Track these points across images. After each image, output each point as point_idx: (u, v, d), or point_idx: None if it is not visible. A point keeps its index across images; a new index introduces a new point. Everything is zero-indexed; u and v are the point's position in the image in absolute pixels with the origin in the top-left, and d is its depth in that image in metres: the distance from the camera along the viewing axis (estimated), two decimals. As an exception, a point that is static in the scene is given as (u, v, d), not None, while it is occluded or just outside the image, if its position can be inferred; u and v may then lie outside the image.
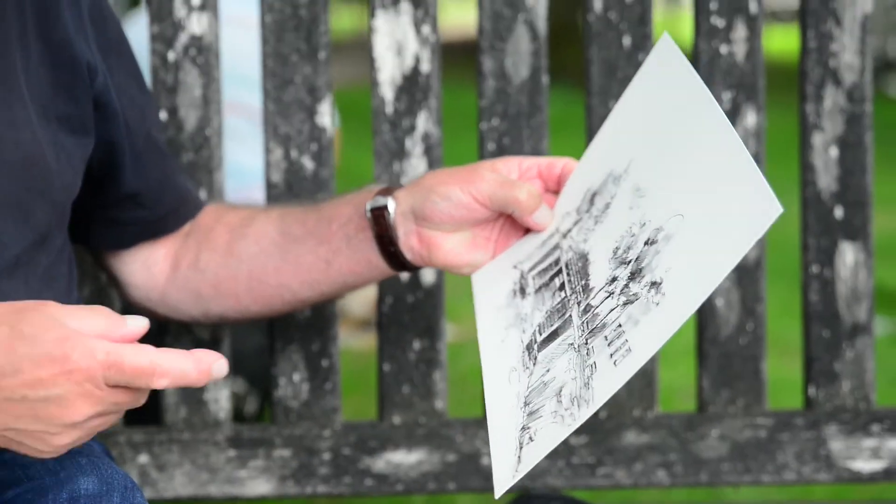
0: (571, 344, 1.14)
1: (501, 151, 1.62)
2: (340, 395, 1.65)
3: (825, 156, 1.64)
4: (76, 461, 1.17)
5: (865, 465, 1.64)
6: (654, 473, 1.64)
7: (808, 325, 1.65)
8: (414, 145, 1.63)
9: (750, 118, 1.63)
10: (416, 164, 1.63)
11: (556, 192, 1.34)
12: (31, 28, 1.27)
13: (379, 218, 1.34)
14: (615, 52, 1.62)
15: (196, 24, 1.60)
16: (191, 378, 1.08)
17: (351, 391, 1.85)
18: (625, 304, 1.12)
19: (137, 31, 2.72)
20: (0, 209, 1.22)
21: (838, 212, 1.64)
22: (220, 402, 1.63)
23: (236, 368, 1.67)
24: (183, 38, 1.60)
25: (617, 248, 1.18)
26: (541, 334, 1.19)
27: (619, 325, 1.10)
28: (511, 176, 1.33)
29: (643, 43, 1.62)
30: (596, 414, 1.64)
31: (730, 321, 1.65)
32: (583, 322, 1.15)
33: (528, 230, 1.33)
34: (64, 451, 1.09)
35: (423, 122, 1.62)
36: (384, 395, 1.64)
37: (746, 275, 1.64)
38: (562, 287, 1.22)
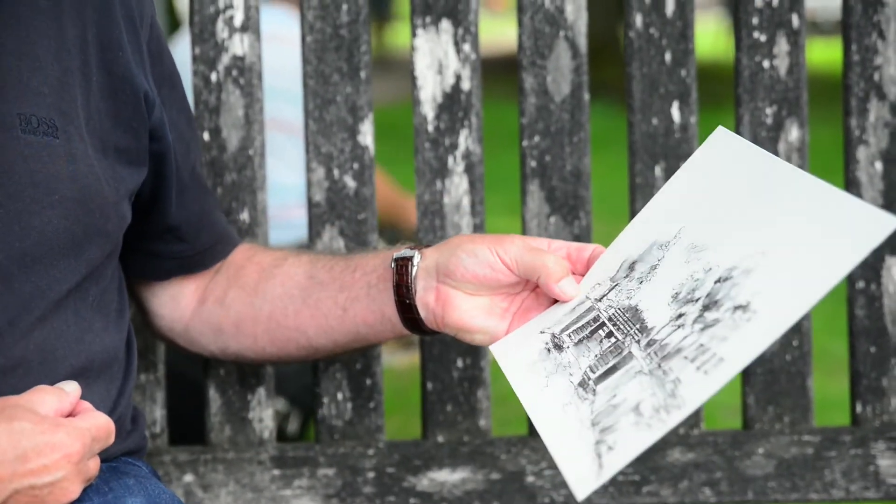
0: (639, 371, 1.17)
1: (543, 168, 1.62)
2: (384, 413, 1.65)
3: (870, 170, 1.63)
4: (124, 482, 1.18)
5: (915, 483, 1.62)
6: (700, 491, 1.63)
7: (855, 341, 1.64)
8: (455, 163, 1.63)
9: (793, 133, 1.62)
10: (457, 182, 1.63)
11: (583, 275, 1.33)
12: (94, 60, 1.28)
13: (402, 268, 1.34)
14: (657, 68, 1.62)
15: (238, 45, 1.61)
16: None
17: (391, 411, 1.85)
18: (703, 329, 1.15)
19: (178, 52, 2.74)
20: (54, 247, 1.23)
21: (884, 226, 1.63)
22: (265, 422, 1.63)
23: (278, 389, 1.68)
24: (225, 59, 1.61)
25: (677, 294, 1.20)
26: (594, 372, 1.21)
27: (701, 345, 1.14)
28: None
29: (685, 58, 1.62)
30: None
31: (775, 337, 1.63)
32: (648, 353, 1.18)
33: (550, 304, 1.32)
34: None
35: (465, 139, 1.63)
36: (428, 414, 1.64)
37: (791, 290, 1.63)
38: (609, 335, 1.23)
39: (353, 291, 1.38)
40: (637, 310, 1.23)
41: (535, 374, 1.25)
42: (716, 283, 1.18)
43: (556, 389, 1.22)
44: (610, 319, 1.25)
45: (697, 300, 1.18)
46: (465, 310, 1.31)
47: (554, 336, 1.28)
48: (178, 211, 1.40)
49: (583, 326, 1.27)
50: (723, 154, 1.28)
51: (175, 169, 1.38)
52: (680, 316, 1.18)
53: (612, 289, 1.27)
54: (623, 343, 1.21)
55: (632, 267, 1.28)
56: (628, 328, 1.22)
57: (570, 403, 1.19)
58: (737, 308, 1.14)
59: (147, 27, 1.34)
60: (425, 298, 1.33)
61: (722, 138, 1.29)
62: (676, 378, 1.13)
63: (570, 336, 1.27)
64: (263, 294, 1.43)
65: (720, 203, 1.25)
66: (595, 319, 1.26)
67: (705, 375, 1.10)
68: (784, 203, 1.18)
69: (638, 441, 1.09)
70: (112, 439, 1.18)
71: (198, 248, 1.44)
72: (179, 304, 1.46)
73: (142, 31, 1.33)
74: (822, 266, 1.10)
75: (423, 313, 1.33)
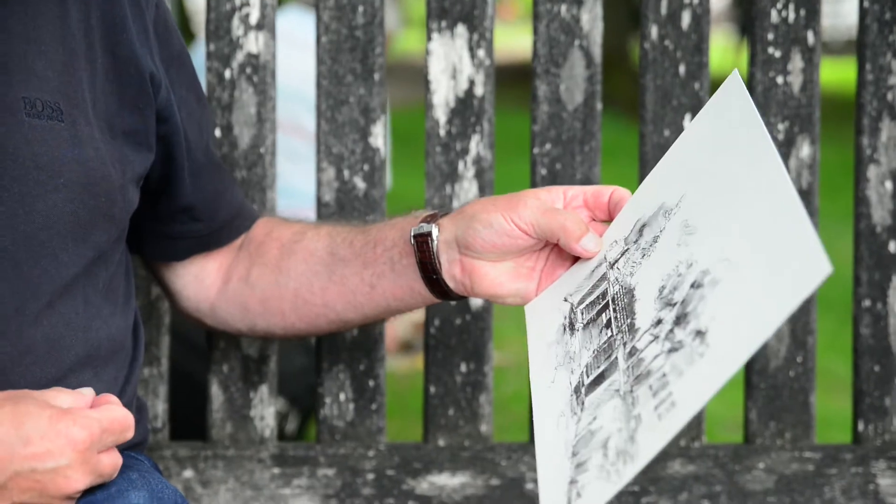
0: (617, 390, 1.16)
1: (553, 176, 1.62)
2: (386, 415, 1.65)
3: (880, 189, 1.63)
4: (127, 476, 1.17)
5: (914, 503, 1.62)
6: (699, 504, 1.63)
7: (859, 359, 1.64)
8: (466, 168, 1.63)
9: (804, 150, 1.62)
10: (467, 187, 1.63)
11: (605, 220, 1.32)
12: (98, 42, 1.28)
13: (422, 244, 1.33)
14: (670, 80, 1.62)
15: (253, 43, 1.61)
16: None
17: (392, 414, 1.85)
18: (669, 351, 1.13)
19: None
20: (60, 229, 1.23)
21: (892, 246, 1.63)
22: (266, 420, 1.63)
23: (278, 388, 1.68)
24: (239, 57, 1.61)
25: (663, 288, 1.19)
26: (588, 376, 1.20)
27: (664, 375, 1.12)
28: (556, 205, 1.31)
29: (699, 71, 1.62)
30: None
31: (779, 353, 1.63)
32: (628, 366, 1.17)
33: (575, 260, 1.32)
34: None
35: (476, 145, 1.63)
36: (429, 418, 1.64)
37: (797, 307, 1.63)
38: (608, 324, 1.23)
39: (377, 268, 1.38)
40: (633, 296, 1.22)
41: (549, 363, 1.25)
42: (691, 287, 1.15)
43: (558, 389, 1.22)
44: (613, 300, 1.24)
45: (674, 305, 1.16)
46: (492, 277, 1.31)
47: (572, 308, 1.28)
48: (192, 192, 1.40)
49: (593, 303, 1.26)
50: (730, 112, 1.23)
51: (186, 150, 1.38)
52: (658, 322, 1.16)
53: (623, 253, 1.26)
54: (614, 342, 1.20)
55: (641, 231, 1.26)
56: (622, 320, 1.21)
57: (564, 415, 1.19)
58: (697, 334, 1.12)
59: (153, 7, 1.34)
60: (451, 271, 1.33)
61: (734, 88, 1.24)
62: (639, 415, 1.12)
63: (582, 313, 1.26)
64: (287, 271, 1.43)
65: (713, 175, 1.22)
66: (603, 295, 1.25)
67: (659, 422, 1.09)
68: (758, 202, 1.15)
69: (600, 492, 1.10)
70: (130, 434, 1.16)
71: (214, 227, 1.44)
72: (203, 284, 1.45)
73: (147, 11, 1.33)
74: (768, 307, 1.07)
75: (451, 284, 1.34)
